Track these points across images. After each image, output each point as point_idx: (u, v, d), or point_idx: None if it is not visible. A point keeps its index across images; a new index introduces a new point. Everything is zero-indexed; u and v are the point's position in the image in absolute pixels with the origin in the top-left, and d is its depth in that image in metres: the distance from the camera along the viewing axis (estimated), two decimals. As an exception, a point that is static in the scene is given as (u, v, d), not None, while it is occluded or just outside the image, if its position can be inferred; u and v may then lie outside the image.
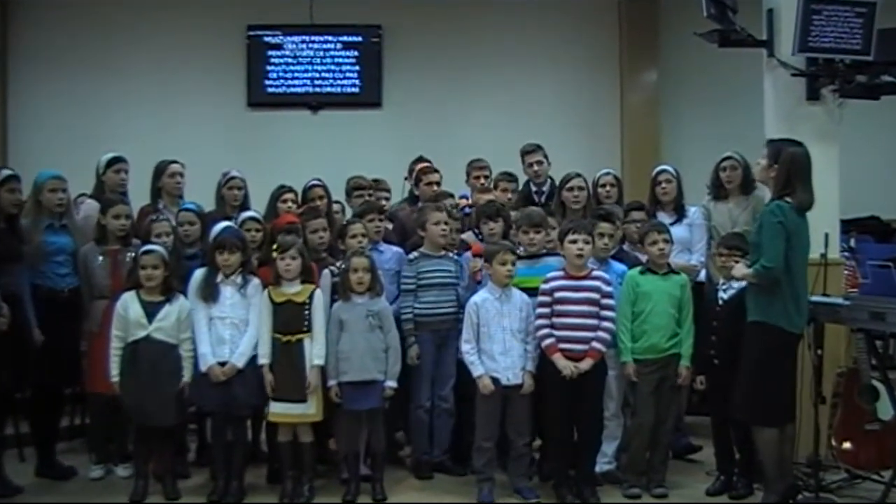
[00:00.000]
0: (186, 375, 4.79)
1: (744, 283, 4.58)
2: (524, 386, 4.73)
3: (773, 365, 4.35)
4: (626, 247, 5.47)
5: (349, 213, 6.03)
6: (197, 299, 4.81)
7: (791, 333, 4.39)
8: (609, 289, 4.75)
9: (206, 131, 8.82)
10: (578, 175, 5.70)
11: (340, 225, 5.40)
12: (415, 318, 5.09)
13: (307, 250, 4.97)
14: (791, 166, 4.39)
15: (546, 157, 6.27)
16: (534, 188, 6.25)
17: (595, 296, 4.70)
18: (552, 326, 4.69)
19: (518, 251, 4.94)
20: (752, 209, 5.45)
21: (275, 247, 4.86)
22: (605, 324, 4.70)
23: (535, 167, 6.23)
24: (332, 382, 4.77)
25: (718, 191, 5.67)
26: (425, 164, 6.30)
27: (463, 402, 5.08)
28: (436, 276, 5.13)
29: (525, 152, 6.29)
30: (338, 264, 5.02)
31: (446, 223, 5.18)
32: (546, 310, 4.72)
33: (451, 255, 5.24)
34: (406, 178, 6.49)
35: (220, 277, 4.82)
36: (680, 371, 4.85)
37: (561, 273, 4.78)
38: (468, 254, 5.28)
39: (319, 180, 5.89)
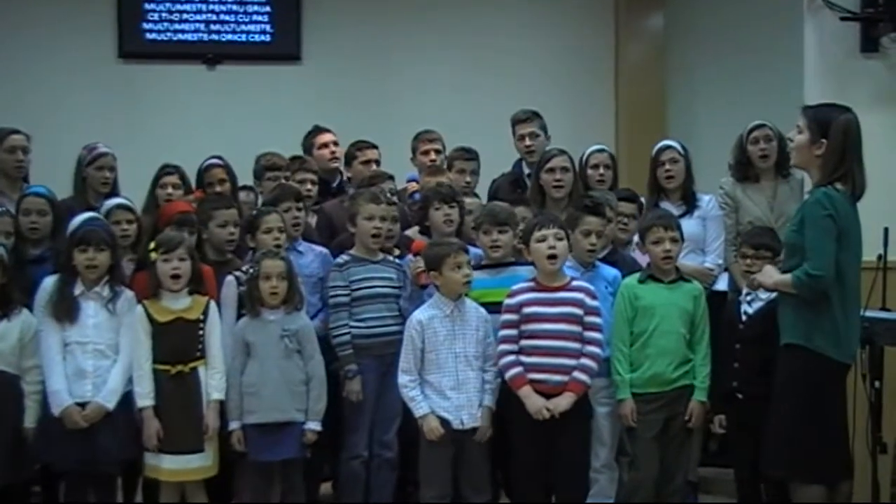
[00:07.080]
0: (31, 419, 4.71)
1: (773, 293, 4.59)
2: (480, 429, 4.72)
3: (816, 403, 4.35)
4: (636, 249, 5.39)
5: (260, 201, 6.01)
6: (47, 317, 4.73)
7: (839, 363, 4.39)
8: (594, 303, 4.73)
9: (61, 91, 8.58)
10: (562, 152, 5.72)
11: (248, 216, 5.36)
12: (352, 340, 5.05)
13: (210, 250, 5.02)
14: (846, 139, 4.35)
15: (545, 128, 6.30)
16: (526, 169, 6.27)
17: (577, 311, 4.67)
18: (520, 352, 4.66)
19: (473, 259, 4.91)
20: (796, 196, 5.48)
21: (152, 246, 4.80)
22: (591, 348, 4.67)
23: (529, 141, 6.22)
24: (234, 425, 4.76)
25: (744, 170, 5.68)
26: (362, 141, 6.39)
27: (410, 448, 5.05)
28: (374, 286, 5.10)
29: (517, 121, 6.31)
30: (244, 269, 4.99)
31: (383, 218, 5.15)
32: (512, 331, 4.69)
33: (390, 258, 5.22)
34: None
35: (79, 288, 4.75)
36: (692, 409, 4.86)
37: (531, 284, 4.75)
38: (410, 255, 5.25)
39: (220, 158, 5.88)
